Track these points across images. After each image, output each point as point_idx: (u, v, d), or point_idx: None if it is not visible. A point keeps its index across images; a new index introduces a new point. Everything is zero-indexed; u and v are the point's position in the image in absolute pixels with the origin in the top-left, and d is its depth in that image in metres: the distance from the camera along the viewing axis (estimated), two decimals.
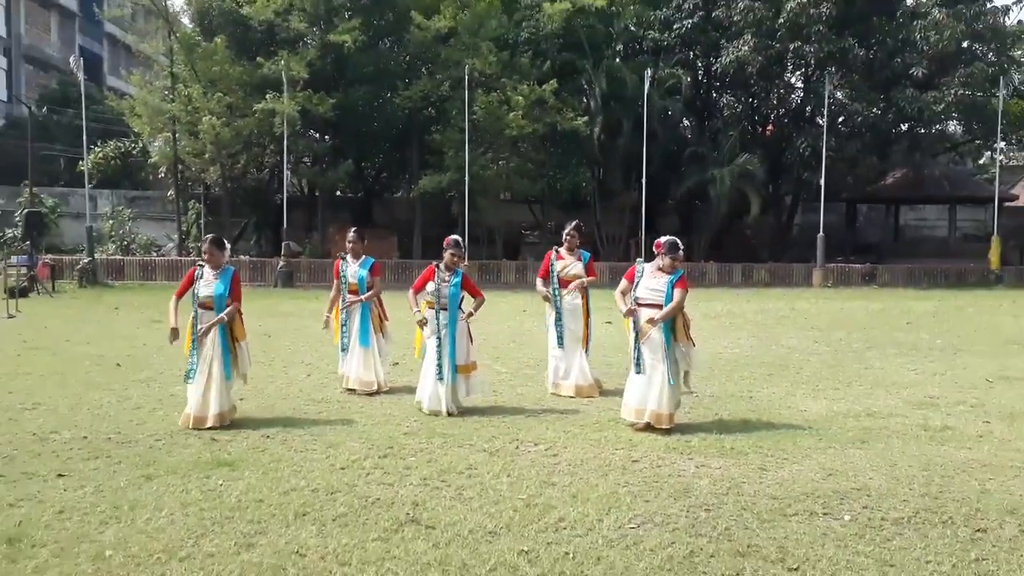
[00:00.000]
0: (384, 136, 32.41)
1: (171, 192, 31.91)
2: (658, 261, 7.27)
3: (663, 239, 7.29)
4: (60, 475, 5.81)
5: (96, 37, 48.34)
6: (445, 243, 8.05)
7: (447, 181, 29.02)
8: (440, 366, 7.83)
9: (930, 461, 6.31)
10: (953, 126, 36.01)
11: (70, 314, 17.43)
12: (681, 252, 7.26)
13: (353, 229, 9.28)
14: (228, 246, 7.73)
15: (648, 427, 7.17)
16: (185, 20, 32.74)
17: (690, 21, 31.33)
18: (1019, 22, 34.43)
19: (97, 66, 45.70)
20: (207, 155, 29.22)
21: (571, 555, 4.47)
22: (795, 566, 4.36)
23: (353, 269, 8.95)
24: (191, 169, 31.08)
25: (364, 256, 9.05)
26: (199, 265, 7.47)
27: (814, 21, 29.20)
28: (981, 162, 45.48)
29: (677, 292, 7.14)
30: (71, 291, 23.62)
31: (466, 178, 27.88)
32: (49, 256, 26.28)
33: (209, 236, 7.74)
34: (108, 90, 35.91)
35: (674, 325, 7.18)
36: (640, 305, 7.22)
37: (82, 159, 29.45)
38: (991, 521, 5.03)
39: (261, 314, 16.96)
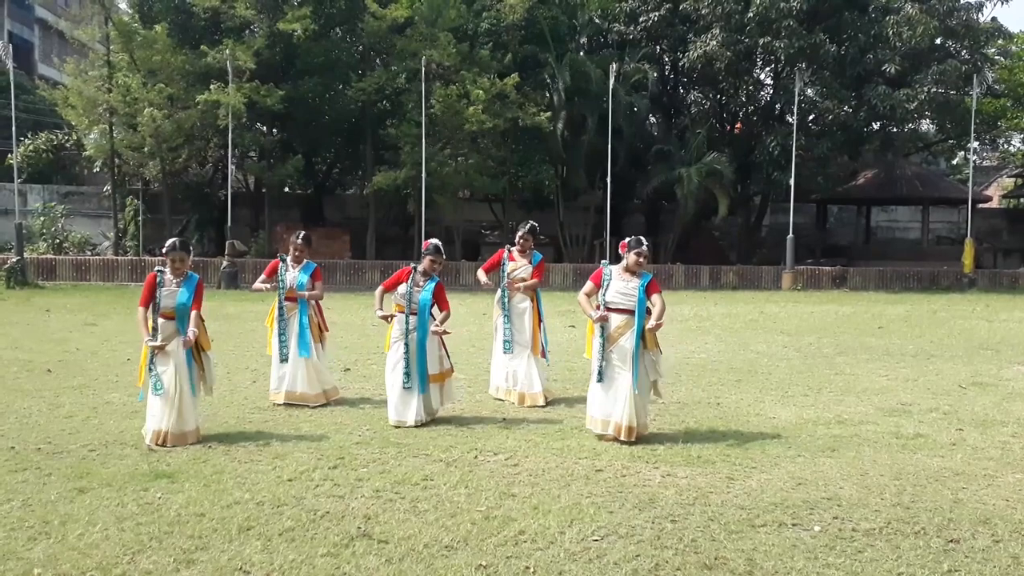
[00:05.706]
0: (336, 130, 31.65)
1: (107, 187, 30.99)
2: (624, 261, 7.12)
3: (628, 238, 7.20)
4: None
5: (26, 22, 46.96)
6: (425, 247, 7.89)
7: (403, 177, 28.27)
8: (408, 374, 7.52)
9: (902, 470, 6.27)
10: (926, 125, 36.02)
11: None
12: (646, 247, 7.09)
13: (301, 233, 8.90)
14: (192, 251, 7.37)
15: (615, 438, 7.01)
16: (123, 6, 31.66)
17: (656, 14, 30.82)
18: (992, 19, 34.29)
19: (28, 53, 44.51)
20: (146, 149, 28.16)
21: (532, 570, 4.38)
22: None
23: (293, 274, 8.55)
24: (129, 163, 30.06)
25: (307, 261, 8.67)
26: (159, 271, 6.99)
27: (784, 16, 28.82)
28: (954, 162, 45.81)
29: (656, 298, 6.99)
30: None
31: (423, 174, 27.10)
32: None
33: (175, 240, 7.18)
34: (39, 79, 34.86)
35: (644, 332, 6.98)
36: (610, 310, 7.02)
37: (11, 152, 28.41)
38: (964, 531, 4.99)
39: (204, 317, 16.43)
